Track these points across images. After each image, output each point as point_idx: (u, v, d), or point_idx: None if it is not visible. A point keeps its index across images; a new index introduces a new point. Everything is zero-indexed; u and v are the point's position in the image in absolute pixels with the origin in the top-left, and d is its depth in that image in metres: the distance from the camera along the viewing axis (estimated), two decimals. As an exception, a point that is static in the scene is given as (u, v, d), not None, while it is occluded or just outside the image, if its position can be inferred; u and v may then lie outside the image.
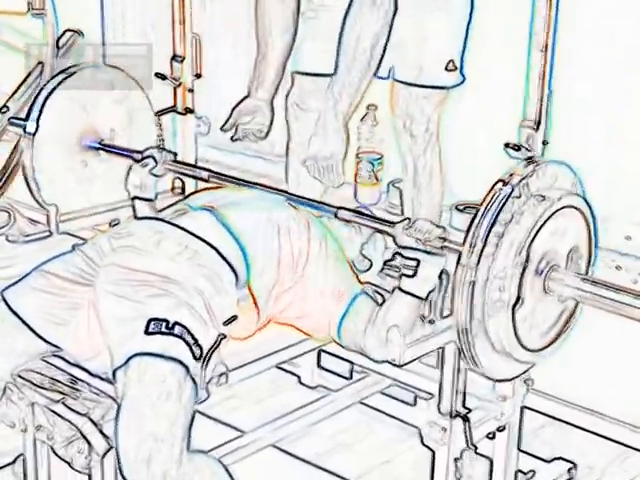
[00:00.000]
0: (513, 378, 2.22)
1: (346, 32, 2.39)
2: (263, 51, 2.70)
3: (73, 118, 2.73)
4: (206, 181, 2.46)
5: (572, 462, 2.55)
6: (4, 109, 2.87)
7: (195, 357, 1.92)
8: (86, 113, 2.75)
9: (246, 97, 2.73)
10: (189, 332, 1.93)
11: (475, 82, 2.59)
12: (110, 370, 1.92)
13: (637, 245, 2.57)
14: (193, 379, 1.89)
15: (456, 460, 2.25)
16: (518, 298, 2.00)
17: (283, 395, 2.86)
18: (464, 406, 2.27)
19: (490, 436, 2.35)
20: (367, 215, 2.24)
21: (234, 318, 2.05)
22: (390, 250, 2.19)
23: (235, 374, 2.10)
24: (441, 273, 2.09)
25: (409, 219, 2.13)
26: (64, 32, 2.94)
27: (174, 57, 3.00)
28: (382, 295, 2.20)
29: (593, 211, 2.12)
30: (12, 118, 2.80)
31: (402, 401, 2.71)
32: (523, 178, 2.00)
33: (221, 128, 2.75)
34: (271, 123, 2.74)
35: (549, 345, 2.14)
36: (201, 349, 1.94)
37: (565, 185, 2.10)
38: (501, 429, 2.36)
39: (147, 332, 1.91)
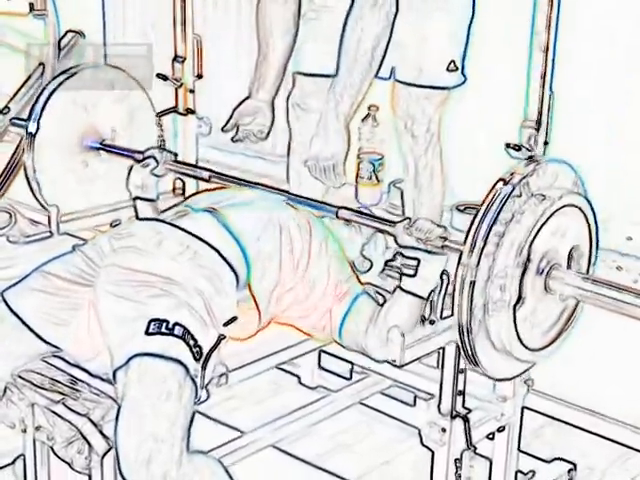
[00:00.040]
0: (513, 377, 2.22)
1: (347, 33, 2.39)
2: (264, 52, 2.70)
3: (74, 118, 2.73)
4: (207, 181, 2.46)
5: (572, 463, 2.54)
6: (5, 110, 2.88)
7: (195, 358, 1.92)
8: (87, 113, 2.75)
9: (247, 98, 2.73)
10: (189, 333, 1.93)
11: (476, 82, 2.60)
12: (110, 370, 1.92)
13: (638, 245, 2.57)
14: (193, 379, 1.89)
15: (456, 461, 2.25)
16: (519, 297, 2.00)
17: (283, 395, 2.87)
18: (464, 406, 2.27)
19: (490, 437, 2.35)
20: (368, 215, 2.24)
21: (234, 319, 2.05)
22: (391, 250, 2.19)
23: (235, 375, 2.10)
24: (441, 274, 2.09)
25: (410, 218, 2.13)
26: (65, 33, 2.95)
27: (175, 58, 3.00)
28: (383, 296, 2.20)
29: (594, 209, 2.12)
30: (14, 118, 2.80)
31: (402, 401, 2.71)
32: (524, 177, 2.00)
33: (222, 129, 2.75)
34: (272, 124, 2.74)
35: (550, 344, 2.14)
36: (201, 350, 1.94)
37: (566, 184, 2.10)
38: (501, 429, 2.36)
39: (147, 332, 1.90)
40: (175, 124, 3.05)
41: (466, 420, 2.24)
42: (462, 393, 2.25)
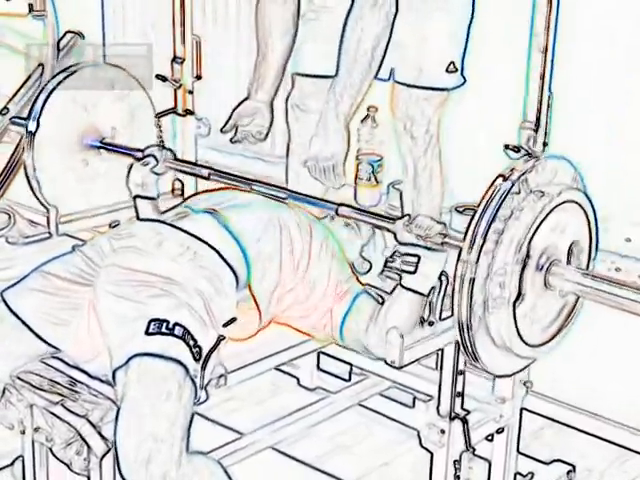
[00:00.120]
0: (514, 373, 2.22)
1: (347, 33, 2.39)
2: (263, 53, 2.70)
3: (74, 117, 2.72)
4: (207, 179, 2.46)
5: (571, 464, 2.54)
6: (4, 111, 2.87)
7: (195, 358, 1.92)
8: (87, 112, 2.74)
9: (246, 99, 2.73)
10: (189, 333, 1.93)
11: (475, 84, 2.60)
12: (110, 371, 1.92)
13: (637, 247, 2.57)
14: (193, 380, 1.89)
15: (455, 462, 2.25)
16: (519, 294, 2.00)
17: (282, 397, 2.86)
18: (463, 408, 2.27)
19: (489, 438, 2.35)
20: (368, 212, 2.24)
21: (233, 320, 2.05)
22: (390, 248, 2.19)
23: (234, 376, 2.10)
24: (440, 275, 2.09)
25: (409, 215, 2.13)
26: (65, 34, 2.94)
27: (174, 59, 3.00)
28: (382, 297, 2.19)
29: (593, 205, 2.12)
30: (14, 117, 2.80)
31: (401, 403, 2.71)
32: (523, 174, 2.00)
33: (221, 130, 2.75)
34: (270, 125, 2.74)
35: (550, 340, 2.14)
36: (201, 350, 1.94)
37: (565, 180, 2.10)
38: (500, 431, 2.36)
39: (147, 332, 1.91)
40: (174, 125, 3.05)
41: (465, 422, 2.24)
42: (461, 395, 2.25)
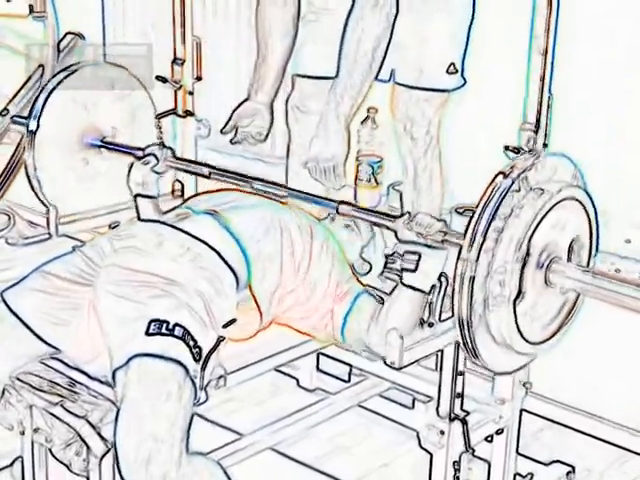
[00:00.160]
0: (514, 370, 2.22)
1: (348, 34, 2.39)
2: (263, 54, 2.70)
3: (75, 116, 2.73)
4: (207, 177, 2.46)
5: (570, 465, 2.55)
6: (4, 112, 2.87)
7: (195, 358, 1.92)
8: (88, 111, 2.75)
9: (246, 100, 2.73)
10: (189, 333, 1.93)
11: (476, 85, 2.60)
12: (109, 371, 1.92)
13: (636, 248, 2.57)
14: (193, 380, 1.89)
15: (454, 463, 2.25)
16: (519, 291, 2.00)
17: (282, 398, 2.86)
18: (462, 409, 2.27)
19: (488, 439, 2.35)
20: (368, 210, 2.24)
21: (233, 321, 2.05)
22: (390, 248, 2.19)
23: (234, 377, 2.10)
24: (440, 276, 2.09)
25: (410, 213, 2.13)
26: (65, 35, 2.94)
27: (175, 60, 3.00)
28: (382, 298, 2.20)
29: (594, 202, 2.12)
30: (15, 116, 2.80)
31: (400, 404, 2.71)
32: (522, 171, 2.00)
33: (221, 131, 2.75)
34: (270, 126, 2.74)
35: (551, 337, 2.14)
36: (201, 350, 1.94)
37: (565, 177, 2.11)
38: (499, 432, 2.36)
39: (147, 333, 1.91)
40: (174, 126, 3.05)
41: (464, 423, 2.24)
42: (460, 396, 2.25)
